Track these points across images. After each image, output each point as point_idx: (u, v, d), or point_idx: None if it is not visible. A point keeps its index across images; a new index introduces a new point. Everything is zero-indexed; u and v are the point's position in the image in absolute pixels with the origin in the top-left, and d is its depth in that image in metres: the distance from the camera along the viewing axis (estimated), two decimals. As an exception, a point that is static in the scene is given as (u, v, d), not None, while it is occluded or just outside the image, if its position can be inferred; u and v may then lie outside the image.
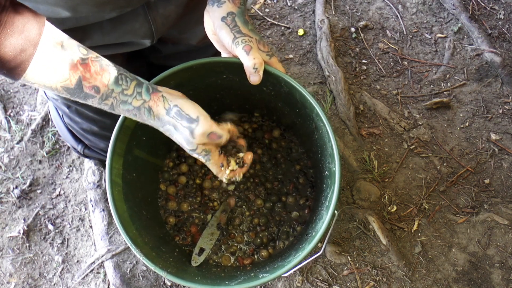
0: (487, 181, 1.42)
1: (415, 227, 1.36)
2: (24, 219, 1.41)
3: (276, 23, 1.69)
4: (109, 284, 1.33)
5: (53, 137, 1.51)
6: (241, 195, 1.06)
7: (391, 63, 1.62)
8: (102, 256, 1.35)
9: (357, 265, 1.31)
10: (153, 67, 1.13)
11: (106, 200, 1.40)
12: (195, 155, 0.77)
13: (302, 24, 1.69)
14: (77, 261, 1.37)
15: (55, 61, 0.63)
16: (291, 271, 0.81)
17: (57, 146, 1.50)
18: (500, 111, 1.53)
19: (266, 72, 0.80)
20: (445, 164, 1.45)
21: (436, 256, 1.33)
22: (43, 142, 1.51)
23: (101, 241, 1.36)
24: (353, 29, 1.66)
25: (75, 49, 0.66)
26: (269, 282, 1.29)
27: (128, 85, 0.71)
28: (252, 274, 0.89)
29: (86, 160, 1.45)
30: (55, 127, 1.49)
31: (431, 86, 1.57)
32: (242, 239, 1.03)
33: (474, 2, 1.71)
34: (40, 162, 1.49)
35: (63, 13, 0.78)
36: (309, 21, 1.69)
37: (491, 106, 1.54)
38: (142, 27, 0.91)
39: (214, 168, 0.81)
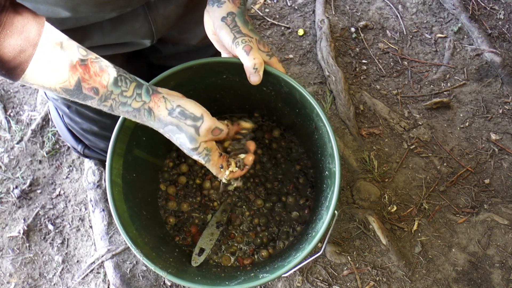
0: (487, 181, 1.42)
1: (415, 227, 1.36)
2: (24, 219, 1.41)
3: (276, 23, 1.69)
4: (109, 284, 1.33)
5: (53, 137, 1.51)
6: (241, 195, 1.06)
7: (391, 63, 1.62)
8: (102, 256, 1.35)
9: (357, 265, 1.31)
10: (153, 67, 1.13)
11: (106, 200, 1.40)
12: (195, 157, 0.77)
13: (302, 24, 1.69)
14: (77, 261, 1.37)
15: (55, 62, 0.63)
16: (291, 271, 0.81)
17: (57, 146, 1.50)
18: (500, 111, 1.53)
19: (266, 72, 0.80)
20: (445, 164, 1.45)
21: (436, 256, 1.33)
22: (43, 142, 1.51)
23: (101, 241, 1.36)
24: (353, 29, 1.66)
25: (74, 50, 0.66)
26: (269, 282, 1.29)
27: (127, 87, 0.71)
28: (252, 274, 0.89)
29: (86, 160, 1.45)
30: (55, 127, 1.49)
31: (431, 86, 1.57)
32: (242, 239, 1.03)
33: (474, 2, 1.71)
34: (40, 162, 1.49)
35: (63, 13, 0.78)
36: (309, 21, 1.69)
37: (491, 106, 1.54)
38: (142, 27, 0.91)
39: (214, 169, 0.81)
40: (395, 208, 1.38)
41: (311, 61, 1.62)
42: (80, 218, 1.42)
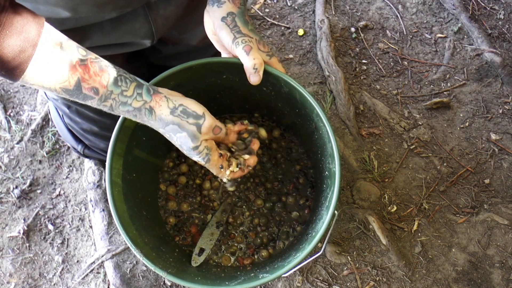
0: (487, 181, 1.42)
1: (415, 227, 1.36)
2: (24, 219, 1.41)
3: (276, 23, 1.69)
4: (109, 284, 1.33)
5: (53, 137, 1.51)
6: (241, 195, 1.06)
7: (391, 63, 1.62)
8: (102, 256, 1.35)
9: (357, 265, 1.31)
10: (153, 67, 1.13)
11: (106, 200, 1.40)
12: (195, 157, 0.77)
13: (302, 24, 1.69)
14: (77, 261, 1.37)
15: (54, 62, 0.63)
16: (291, 271, 0.81)
17: (57, 146, 1.50)
18: (500, 111, 1.53)
19: (266, 72, 0.80)
20: (445, 164, 1.45)
21: (436, 256, 1.33)
22: (43, 142, 1.51)
23: (101, 241, 1.36)
24: (353, 29, 1.66)
25: (74, 50, 0.66)
26: (269, 282, 1.29)
27: (127, 86, 0.71)
28: (252, 274, 0.89)
29: (86, 160, 1.45)
30: (55, 127, 1.49)
31: (431, 86, 1.57)
32: (242, 239, 1.03)
33: (474, 2, 1.71)
34: (40, 162, 1.49)
35: (63, 13, 0.78)
36: (309, 21, 1.69)
37: (491, 106, 1.54)
38: (142, 27, 0.91)
39: (214, 169, 0.81)
40: (395, 208, 1.38)
41: (311, 61, 1.62)
42: (80, 218, 1.42)
